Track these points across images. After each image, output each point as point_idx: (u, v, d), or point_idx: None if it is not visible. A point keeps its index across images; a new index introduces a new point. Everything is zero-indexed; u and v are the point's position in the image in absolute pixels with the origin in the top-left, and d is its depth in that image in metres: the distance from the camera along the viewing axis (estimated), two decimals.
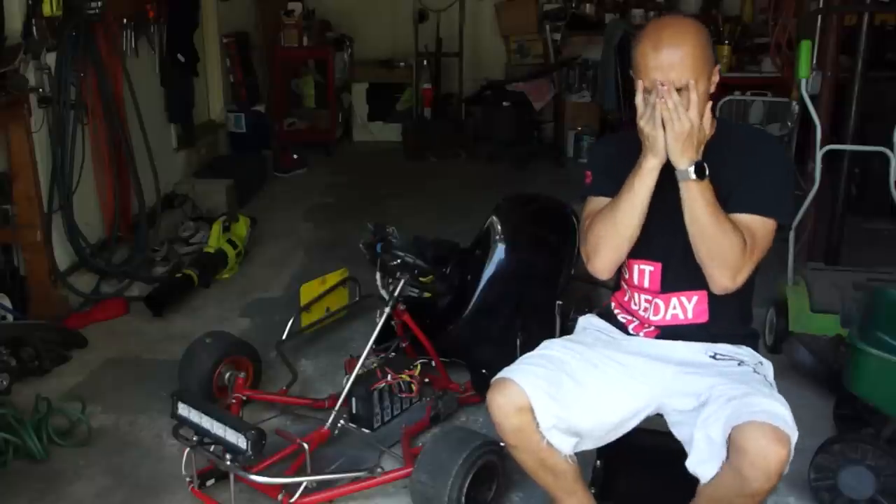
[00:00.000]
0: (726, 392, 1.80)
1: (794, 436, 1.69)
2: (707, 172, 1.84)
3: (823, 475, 2.37)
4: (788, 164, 2.00)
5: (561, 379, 1.90)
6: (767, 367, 2.02)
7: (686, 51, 1.84)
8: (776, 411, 1.71)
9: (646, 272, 2.04)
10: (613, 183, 1.99)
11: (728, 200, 1.90)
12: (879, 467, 2.30)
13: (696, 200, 1.85)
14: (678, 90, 1.84)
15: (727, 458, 1.71)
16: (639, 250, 2.02)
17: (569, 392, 1.89)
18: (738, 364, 1.97)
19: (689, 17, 2.06)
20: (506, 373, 1.91)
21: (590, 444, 1.98)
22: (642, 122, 1.88)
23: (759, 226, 1.91)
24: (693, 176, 1.84)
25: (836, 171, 3.65)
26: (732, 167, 1.93)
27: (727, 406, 1.75)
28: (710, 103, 1.91)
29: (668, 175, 1.96)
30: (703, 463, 1.76)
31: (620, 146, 2.09)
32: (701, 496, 1.82)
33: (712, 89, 1.91)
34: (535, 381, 1.86)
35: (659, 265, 2.02)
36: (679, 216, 1.93)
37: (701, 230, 1.87)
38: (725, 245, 1.86)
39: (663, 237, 1.98)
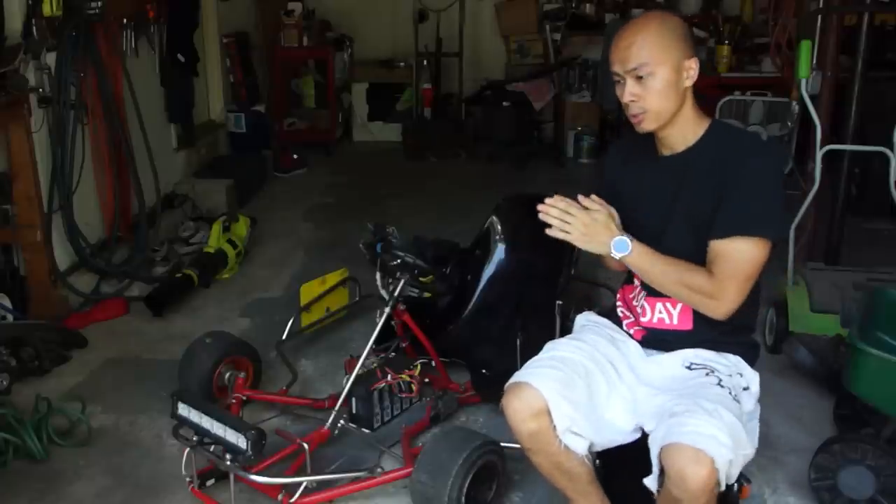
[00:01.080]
0: (670, 408, 1.80)
1: (719, 457, 1.64)
2: (629, 245, 1.86)
3: (823, 475, 2.37)
4: (776, 175, 1.93)
5: (574, 380, 1.90)
6: (749, 379, 1.97)
7: (643, 39, 1.87)
8: (706, 431, 1.67)
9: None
10: (610, 197, 2.01)
11: (711, 224, 1.87)
12: (879, 467, 2.30)
13: (637, 268, 1.90)
14: (639, 77, 1.86)
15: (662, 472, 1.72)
16: None
17: (581, 394, 1.89)
18: (707, 374, 1.92)
19: (664, 12, 2.07)
20: (520, 376, 1.90)
21: (603, 445, 1.98)
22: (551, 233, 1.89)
23: (744, 248, 1.83)
24: (618, 256, 1.87)
25: (836, 171, 3.65)
26: (719, 181, 1.88)
27: (664, 423, 1.76)
28: (690, 98, 1.92)
29: (656, 178, 1.99)
30: (650, 478, 1.78)
31: (630, 148, 2.11)
32: None
33: (688, 82, 1.90)
34: (551, 384, 1.86)
35: None
36: (659, 219, 1.95)
37: (659, 286, 1.93)
38: (686, 290, 1.88)
39: (644, 240, 1.95)
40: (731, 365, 1.97)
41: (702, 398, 1.80)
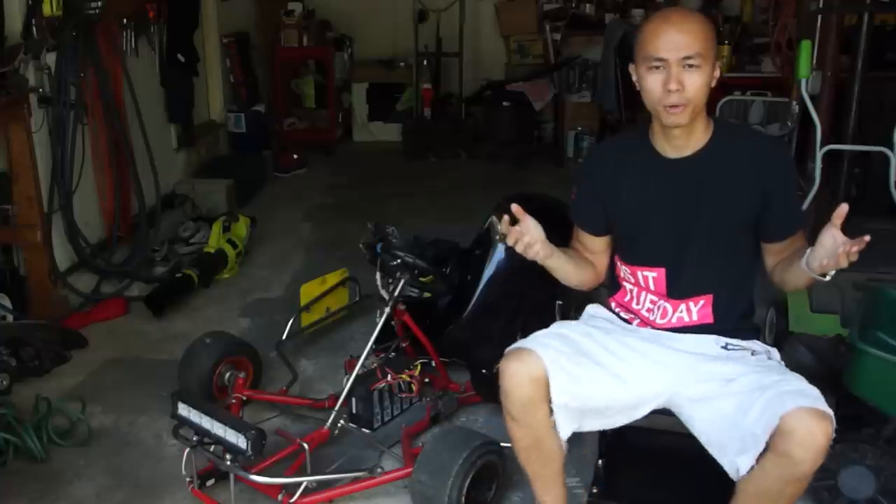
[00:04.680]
0: (755, 381, 1.79)
1: (831, 411, 1.69)
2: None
3: (823, 475, 2.36)
4: (794, 166, 2.02)
5: (578, 358, 1.87)
6: (776, 355, 2.01)
7: (699, 28, 1.84)
8: (811, 392, 1.72)
9: (650, 278, 2.02)
10: (596, 205, 2.03)
11: (767, 225, 1.93)
12: (879, 467, 2.30)
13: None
14: (689, 66, 1.81)
15: (767, 448, 1.68)
16: (640, 258, 2.03)
17: (585, 370, 1.86)
18: (752, 353, 1.96)
19: None
20: (524, 343, 1.87)
21: (596, 425, 1.94)
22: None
23: (801, 237, 1.96)
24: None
25: (836, 171, 3.65)
26: (757, 181, 1.90)
27: (763, 395, 1.73)
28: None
29: (668, 182, 1.96)
30: (739, 457, 1.73)
31: (620, 152, 2.07)
32: (743, 493, 1.77)
33: (713, 83, 1.89)
34: (555, 356, 1.83)
35: (662, 271, 2.00)
36: (682, 223, 1.93)
37: (795, 275, 1.89)
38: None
39: (665, 244, 1.97)
40: (760, 346, 2.00)
41: (774, 370, 1.85)
